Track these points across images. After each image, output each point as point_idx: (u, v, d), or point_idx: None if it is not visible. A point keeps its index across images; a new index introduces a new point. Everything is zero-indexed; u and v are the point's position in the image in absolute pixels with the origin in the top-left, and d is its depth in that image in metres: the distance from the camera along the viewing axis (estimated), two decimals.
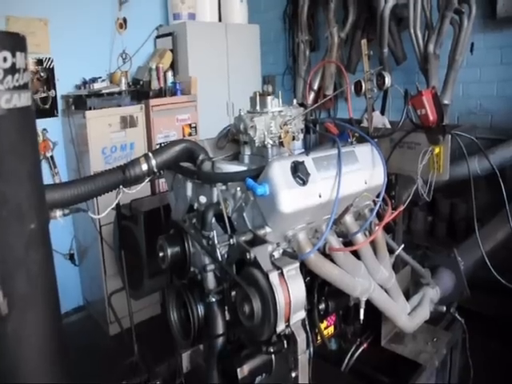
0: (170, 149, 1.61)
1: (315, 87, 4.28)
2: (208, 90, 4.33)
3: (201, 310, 1.52)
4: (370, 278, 1.76)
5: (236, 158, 1.81)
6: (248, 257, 1.25)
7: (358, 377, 2.26)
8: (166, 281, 1.79)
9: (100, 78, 3.95)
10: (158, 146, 3.95)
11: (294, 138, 1.70)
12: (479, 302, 3.03)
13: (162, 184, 3.84)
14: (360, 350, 2.24)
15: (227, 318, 1.48)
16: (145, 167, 1.54)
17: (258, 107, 1.68)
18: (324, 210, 1.52)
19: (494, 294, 3.15)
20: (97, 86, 3.79)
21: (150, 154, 1.56)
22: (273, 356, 1.43)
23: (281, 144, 1.66)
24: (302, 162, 1.42)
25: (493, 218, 2.89)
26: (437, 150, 2.00)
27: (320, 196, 1.45)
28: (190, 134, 4.10)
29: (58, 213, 1.29)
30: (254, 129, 1.60)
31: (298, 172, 1.39)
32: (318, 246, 1.43)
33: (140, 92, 3.97)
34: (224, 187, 1.56)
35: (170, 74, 4.12)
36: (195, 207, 1.62)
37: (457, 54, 3.63)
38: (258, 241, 1.34)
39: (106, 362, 3.32)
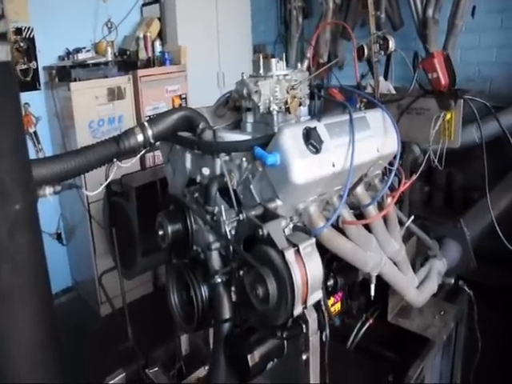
0: (168, 117, 1.47)
1: (309, 55, 4.11)
2: (198, 59, 4.17)
3: (205, 291, 1.41)
4: (381, 252, 1.68)
5: (237, 126, 1.68)
6: (260, 233, 1.13)
7: (364, 353, 2.19)
8: (165, 260, 1.67)
9: (84, 48, 3.76)
10: (147, 119, 3.79)
11: (300, 104, 1.57)
12: (480, 272, 2.98)
13: (151, 158, 3.70)
14: (366, 326, 2.16)
15: (233, 299, 1.38)
16: (140, 138, 1.41)
17: (261, 71, 1.54)
18: (336, 180, 1.40)
19: (495, 263, 3.11)
20: (81, 56, 3.61)
21: (146, 124, 1.43)
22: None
23: (287, 110, 1.53)
24: (315, 129, 1.30)
25: (493, 186, 2.81)
26: (448, 116, 1.90)
27: (333, 165, 1.33)
28: (180, 106, 3.94)
29: (48, 190, 1.15)
30: (259, 94, 1.47)
31: (311, 139, 1.27)
32: (333, 220, 1.32)
33: (127, 62, 3.79)
34: (227, 158, 1.43)
35: (157, 43, 3.94)
36: (198, 180, 1.49)
37: (457, 18, 3.48)
38: (269, 215, 1.22)
39: (100, 344, 3.26)
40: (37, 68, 3.71)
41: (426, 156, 1.91)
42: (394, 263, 1.82)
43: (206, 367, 1.97)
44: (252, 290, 1.15)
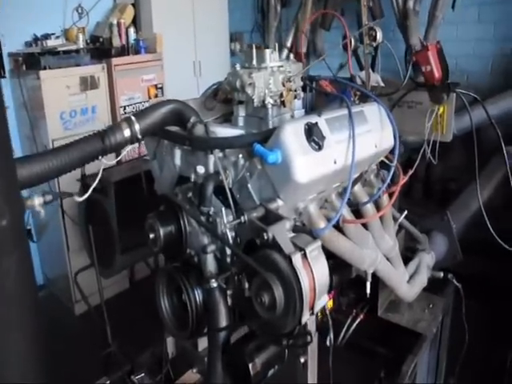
0: (156, 111, 1.37)
1: (288, 44, 4.04)
2: (173, 47, 4.02)
3: (199, 296, 1.33)
4: (377, 249, 1.64)
5: (227, 120, 1.59)
6: (265, 237, 1.06)
7: (355, 350, 2.16)
8: (155, 264, 1.58)
9: (53, 34, 3.55)
10: (122, 110, 3.64)
11: (295, 97, 1.50)
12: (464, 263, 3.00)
13: (128, 151, 3.55)
14: (356, 322, 2.13)
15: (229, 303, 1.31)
16: (127, 133, 1.30)
17: (254, 62, 1.45)
18: (337, 177, 1.34)
19: (475, 253, 3.12)
20: (51, 43, 3.41)
21: (133, 118, 1.32)
22: None
23: (282, 103, 1.45)
24: (316, 124, 1.23)
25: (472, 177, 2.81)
26: (441, 110, 1.86)
27: (335, 162, 1.27)
28: (156, 96, 3.81)
29: (37, 200, 1.01)
30: (253, 86, 1.38)
31: (313, 135, 1.20)
32: (335, 220, 1.26)
33: (100, 50, 3.61)
34: (221, 154, 1.35)
35: (132, 30, 3.77)
36: (192, 179, 1.39)
37: (437, 10, 3.45)
38: (271, 217, 1.14)
39: (78, 346, 3.14)
40: (1, 54, 3.48)
41: (422, 150, 1.87)
42: (388, 259, 1.79)
43: (194, 370, 1.90)
44: (257, 298, 1.07)
